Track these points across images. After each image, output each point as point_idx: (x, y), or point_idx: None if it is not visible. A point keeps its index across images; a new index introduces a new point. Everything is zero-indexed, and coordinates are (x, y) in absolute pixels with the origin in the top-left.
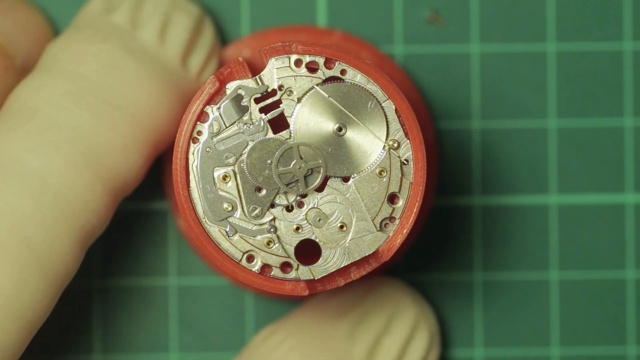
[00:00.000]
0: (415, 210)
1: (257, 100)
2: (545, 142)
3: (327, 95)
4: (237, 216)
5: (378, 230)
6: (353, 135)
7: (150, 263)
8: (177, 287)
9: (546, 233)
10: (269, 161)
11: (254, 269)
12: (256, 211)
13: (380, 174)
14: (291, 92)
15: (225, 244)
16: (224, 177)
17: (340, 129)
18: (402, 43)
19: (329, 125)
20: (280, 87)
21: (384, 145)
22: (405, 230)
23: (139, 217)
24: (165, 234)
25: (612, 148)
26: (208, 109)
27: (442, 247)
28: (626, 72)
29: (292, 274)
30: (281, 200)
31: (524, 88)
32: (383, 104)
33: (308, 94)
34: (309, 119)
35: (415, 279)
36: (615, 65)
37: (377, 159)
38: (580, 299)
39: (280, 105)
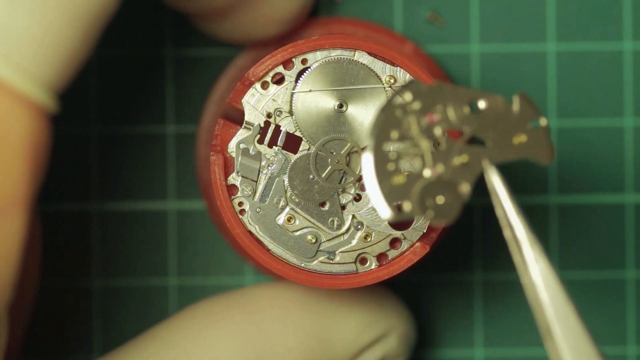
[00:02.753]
0: None
1: (260, 141)
2: None
3: (308, 90)
4: (324, 240)
5: None
6: (353, 108)
7: (150, 263)
8: (177, 287)
9: (547, 233)
10: (310, 177)
11: (371, 268)
12: (335, 223)
13: None
14: (280, 111)
15: (334, 267)
16: (289, 219)
17: (341, 106)
18: None
19: (329, 110)
20: (269, 114)
21: (385, 89)
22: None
23: (139, 217)
24: (165, 234)
25: (612, 148)
26: (230, 180)
27: (442, 247)
28: (626, 72)
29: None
30: (346, 197)
31: (524, 88)
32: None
33: (293, 101)
34: (310, 120)
35: (415, 279)
36: (615, 65)
37: None
38: (580, 298)
39: (281, 128)
